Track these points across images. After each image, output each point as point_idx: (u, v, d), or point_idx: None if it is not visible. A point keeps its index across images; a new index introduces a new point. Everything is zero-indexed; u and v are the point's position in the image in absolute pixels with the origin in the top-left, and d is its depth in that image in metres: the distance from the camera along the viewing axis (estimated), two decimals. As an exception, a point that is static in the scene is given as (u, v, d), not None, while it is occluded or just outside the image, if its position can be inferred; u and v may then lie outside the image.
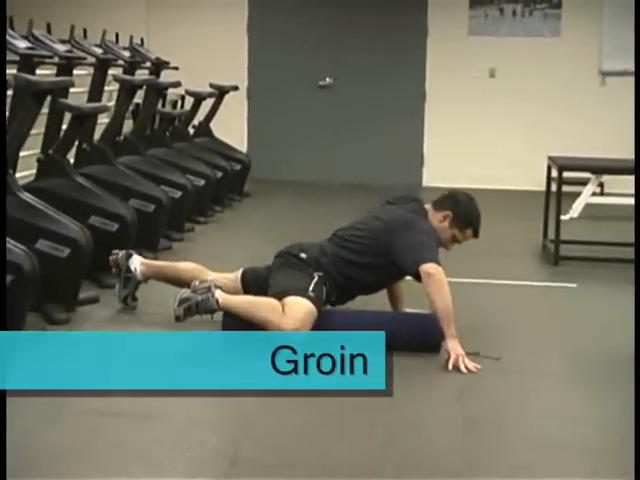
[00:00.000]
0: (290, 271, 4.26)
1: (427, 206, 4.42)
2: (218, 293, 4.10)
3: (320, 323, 4.08)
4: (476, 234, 4.43)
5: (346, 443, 3.17)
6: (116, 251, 4.70)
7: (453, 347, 3.95)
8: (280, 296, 4.11)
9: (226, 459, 3.00)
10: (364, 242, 4.30)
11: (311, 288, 4.14)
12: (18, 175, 4.80)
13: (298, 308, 4.03)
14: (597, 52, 9.65)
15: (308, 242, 4.45)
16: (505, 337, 4.42)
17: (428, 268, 4.03)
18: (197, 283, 4.17)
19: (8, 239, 3.90)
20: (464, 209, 4.38)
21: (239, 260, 5.80)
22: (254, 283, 4.38)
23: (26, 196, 4.47)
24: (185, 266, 4.61)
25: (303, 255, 4.32)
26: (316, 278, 4.21)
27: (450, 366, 3.90)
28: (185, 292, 4.11)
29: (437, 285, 4.00)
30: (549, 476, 2.97)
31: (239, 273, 4.50)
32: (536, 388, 3.81)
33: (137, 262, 4.66)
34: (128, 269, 4.63)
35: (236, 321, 4.11)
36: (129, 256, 4.67)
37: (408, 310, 4.50)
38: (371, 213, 4.49)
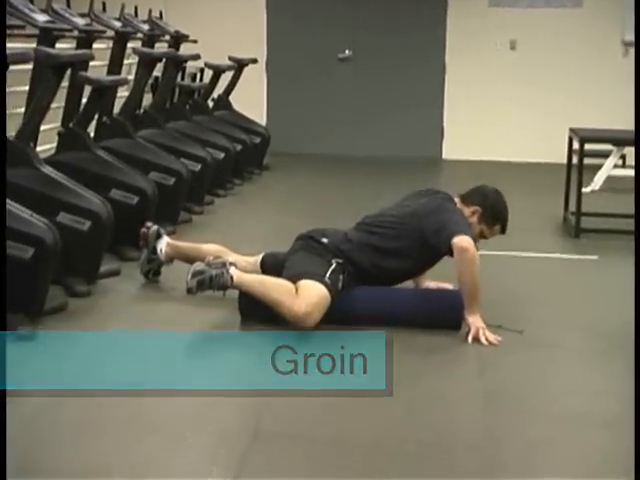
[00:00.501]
0: (308, 255, 4.20)
1: (456, 199, 4.38)
2: (233, 270, 4.03)
3: (341, 300, 4.05)
4: (504, 230, 4.39)
5: (367, 416, 3.18)
6: (149, 224, 4.71)
7: (474, 320, 3.95)
8: (295, 279, 4.03)
9: (248, 432, 3.02)
10: (395, 227, 4.24)
11: (328, 274, 4.06)
12: (39, 149, 4.82)
13: (312, 292, 3.96)
14: (620, 22, 9.54)
15: (332, 228, 4.39)
16: (526, 310, 4.41)
17: (461, 241, 3.98)
18: (211, 258, 4.10)
19: (30, 212, 3.92)
20: (493, 205, 4.33)
21: (259, 233, 5.83)
22: (273, 268, 4.30)
23: (47, 169, 4.48)
24: (208, 248, 4.57)
25: (324, 240, 4.25)
26: (334, 265, 4.12)
27: (470, 339, 3.90)
28: (199, 265, 4.03)
29: (469, 260, 3.95)
30: (570, 449, 2.98)
31: (259, 258, 4.47)
32: (557, 361, 3.81)
33: (164, 244, 4.67)
34: (154, 250, 4.65)
35: (252, 301, 4.05)
36: (159, 236, 4.67)
37: (430, 284, 4.48)
38: (399, 202, 4.45)
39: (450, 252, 4.05)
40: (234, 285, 4.02)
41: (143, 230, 4.69)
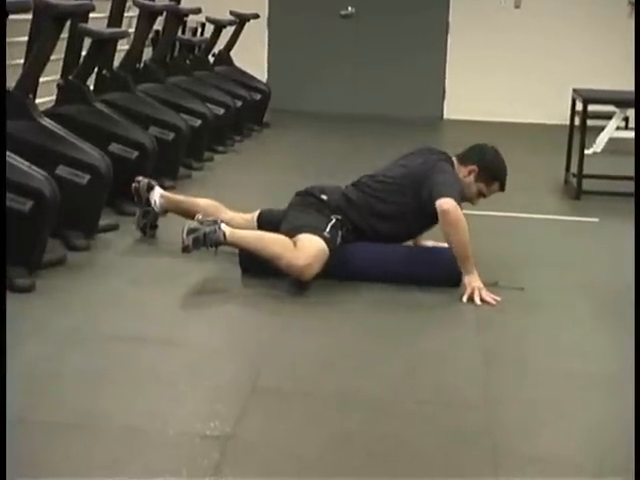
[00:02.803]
0: (307, 210, 4.20)
1: (453, 159, 4.35)
2: (224, 226, 4.02)
3: (338, 256, 4.06)
4: (502, 188, 4.37)
5: (365, 374, 3.18)
6: (139, 178, 4.67)
7: (470, 280, 3.94)
8: (294, 232, 4.05)
9: (246, 387, 3.02)
10: (391, 190, 4.23)
11: (327, 229, 4.07)
12: (38, 101, 4.77)
13: (311, 245, 3.97)
14: (626, -18, 9.44)
15: (331, 184, 4.39)
16: (526, 270, 4.40)
17: (443, 204, 3.99)
18: (201, 216, 4.07)
19: (29, 164, 3.89)
20: (490, 163, 4.31)
21: (258, 190, 5.81)
22: (269, 224, 4.27)
23: (46, 122, 4.44)
24: (204, 202, 4.54)
25: (324, 197, 4.24)
26: (333, 220, 4.13)
27: (465, 299, 3.89)
28: (192, 223, 4.01)
29: (451, 223, 3.97)
30: (570, 409, 2.98)
31: (255, 214, 4.45)
32: (556, 321, 3.81)
33: (157, 195, 4.63)
34: (147, 202, 4.62)
35: (253, 259, 4.08)
36: (150, 188, 4.63)
37: (427, 243, 4.47)
38: (397, 161, 4.42)
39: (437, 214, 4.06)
40: (227, 241, 4.01)
41: (134, 185, 4.65)
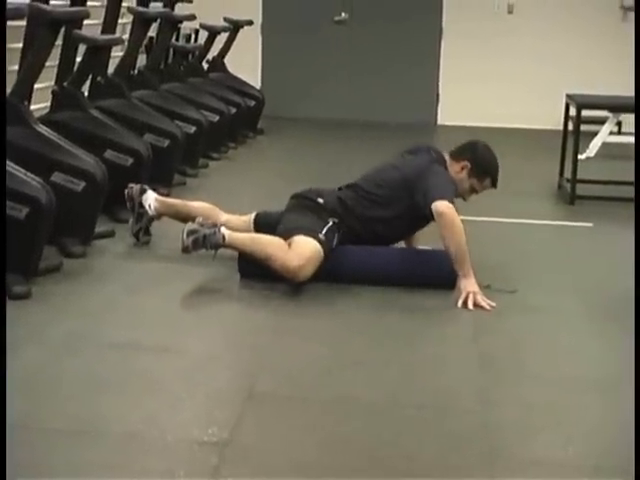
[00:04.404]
0: (304, 212, 4.24)
1: (446, 156, 4.37)
2: (224, 229, 4.08)
3: (333, 258, 4.09)
4: (494, 184, 4.39)
5: (362, 378, 3.18)
6: (131, 185, 4.69)
7: (466, 285, 3.95)
8: (290, 234, 4.09)
9: (243, 392, 3.02)
10: (385, 195, 4.27)
11: (324, 232, 4.11)
12: (33, 107, 4.77)
13: (305, 246, 4.01)
14: (618, -13, 9.47)
15: (326, 188, 4.41)
16: (520, 275, 4.40)
17: (438, 207, 4.01)
18: (201, 219, 4.13)
19: (24, 171, 3.88)
20: (481, 159, 4.35)
21: (252, 197, 5.81)
22: (266, 226, 4.31)
23: (41, 128, 4.43)
24: (199, 205, 4.59)
25: (320, 200, 4.29)
26: (330, 223, 4.18)
27: (460, 303, 3.90)
28: (192, 225, 4.07)
29: (448, 224, 3.98)
30: (566, 413, 2.99)
31: (252, 216, 4.48)
32: (552, 326, 3.81)
33: (151, 198, 4.64)
34: (141, 205, 4.62)
35: (251, 262, 4.09)
36: (143, 191, 4.65)
37: (422, 247, 4.48)
38: (390, 163, 4.45)
39: (432, 216, 4.09)
40: (226, 244, 4.06)
41: (127, 191, 4.66)
